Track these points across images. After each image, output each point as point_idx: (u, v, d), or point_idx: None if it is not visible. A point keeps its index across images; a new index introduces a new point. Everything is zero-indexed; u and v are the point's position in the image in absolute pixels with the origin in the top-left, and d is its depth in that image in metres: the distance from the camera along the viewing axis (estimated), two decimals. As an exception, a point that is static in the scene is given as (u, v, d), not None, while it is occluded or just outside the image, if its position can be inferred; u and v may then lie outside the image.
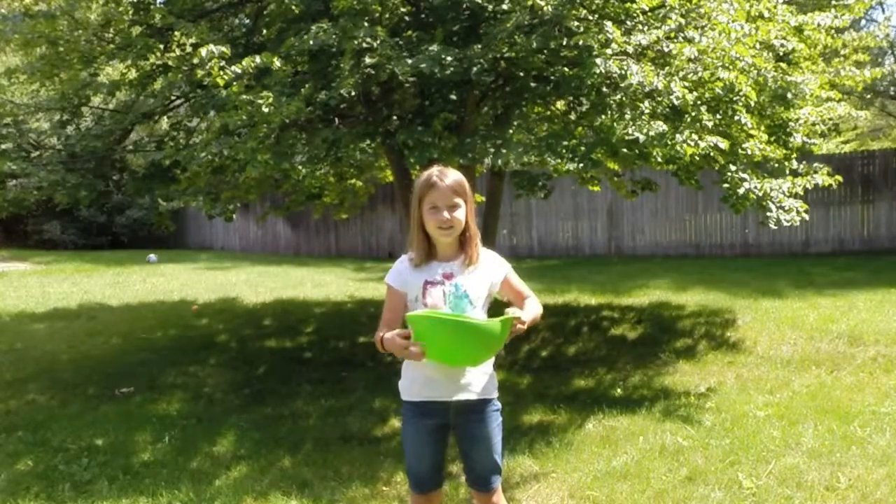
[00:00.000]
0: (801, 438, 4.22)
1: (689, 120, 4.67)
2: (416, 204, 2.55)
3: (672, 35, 4.85)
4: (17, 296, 10.62)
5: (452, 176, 2.53)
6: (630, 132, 4.47)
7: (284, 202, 9.31)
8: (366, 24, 4.62)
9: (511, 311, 2.40)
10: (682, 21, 4.91)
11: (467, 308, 2.53)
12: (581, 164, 4.77)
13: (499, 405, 2.65)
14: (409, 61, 4.46)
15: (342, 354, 6.77)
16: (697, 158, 4.78)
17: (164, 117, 7.31)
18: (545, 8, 4.46)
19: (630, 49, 4.66)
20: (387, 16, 5.08)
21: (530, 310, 2.53)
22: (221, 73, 4.49)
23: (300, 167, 5.92)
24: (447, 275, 2.55)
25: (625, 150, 4.67)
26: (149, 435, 4.62)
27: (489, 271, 2.59)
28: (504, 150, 4.68)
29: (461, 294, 2.52)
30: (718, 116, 4.79)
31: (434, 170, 2.57)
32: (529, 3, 4.47)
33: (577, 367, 6.10)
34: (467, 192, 2.54)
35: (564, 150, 4.77)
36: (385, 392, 5.22)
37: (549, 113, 6.37)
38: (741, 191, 5.06)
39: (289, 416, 4.96)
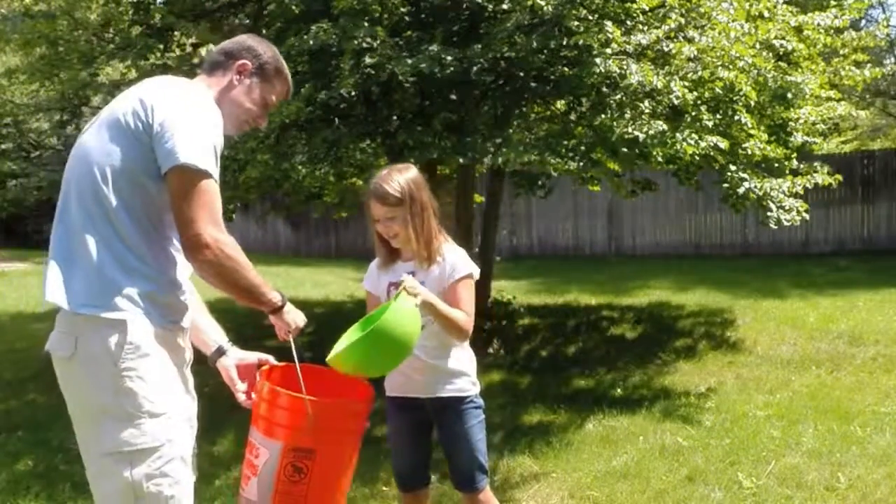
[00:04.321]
0: (801, 438, 4.22)
1: (689, 119, 4.67)
2: (368, 209, 2.53)
3: (672, 35, 4.84)
4: (17, 296, 10.61)
5: (386, 187, 2.43)
6: (630, 131, 4.48)
7: (284, 202, 9.30)
8: (366, 24, 4.61)
9: (400, 282, 2.31)
10: (682, 21, 4.91)
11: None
12: (581, 164, 4.77)
13: (479, 402, 2.62)
14: (409, 61, 4.46)
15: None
16: (697, 158, 4.78)
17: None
18: (545, 8, 4.46)
19: (630, 49, 4.66)
20: (387, 16, 5.08)
21: (444, 306, 2.41)
22: (221, 72, 4.47)
23: (300, 167, 5.91)
24: (409, 274, 2.52)
25: (625, 149, 4.68)
26: (149, 435, 4.61)
27: (447, 270, 2.50)
28: (504, 150, 4.68)
29: None
30: (718, 116, 4.79)
31: (378, 175, 2.51)
32: (529, 3, 4.47)
33: (577, 367, 6.09)
34: (406, 199, 2.43)
35: (564, 150, 4.77)
36: (385, 392, 5.22)
37: (549, 113, 6.36)
38: (741, 190, 5.06)
39: (289, 416, 4.95)
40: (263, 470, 2.08)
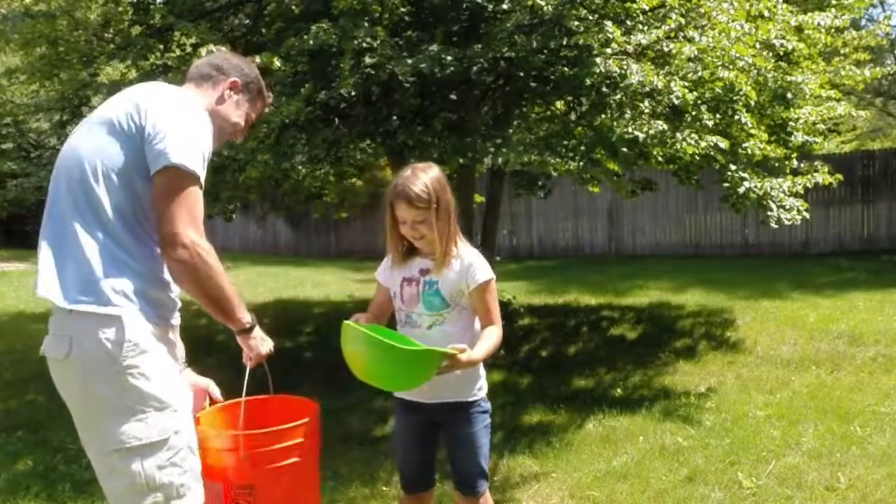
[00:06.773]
0: (801, 438, 4.22)
1: (689, 119, 4.67)
2: (388, 208, 2.47)
3: (672, 35, 4.85)
4: (17, 296, 10.61)
5: (419, 185, 2.37)
6: (630, 131, 4.48)
7: (284, 202, 9.31)
8: (366, 24, 4.61)
9: (454, 348, 2.27)
10: (682, 21, 4.91)
11: (440, 307, 2.46)
12: (581, 164, 4.77)
13: (487, 407, 2.59)
14: (409, 61, 4.46)
15: (342, 354, 6.75)
16: (697, 158, 4.78)
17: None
18: (545, 8, 4.46)
19: (630, 49, 4.66)
20: (387, 16, 5.08)
21: (481, 347, 2.38)
22: (221, 73, 4.47)
23: (300, 167, 5.92)
24: (424, 270, 2.49)
25: (625, 149, 4.67)
26: (149, 435, 4.61)
27: (467, 273, 2.45)
28: (504, 150, 4.68)
29: (434, 291, 2.46)
30: (718, 116, 4.79)
31: (403, 175, 2.44)
32: (529, 3, 4.47)
33: (577, 367, 6.09)
34: (434, 198, 2.38)
35: (564, 150, 4.77)
36: (385, 392, 5.22)
37: (549, 113, 6.36)
38: (741, 190, 5.05)
39: (289, 416, 4.95)
40: None
